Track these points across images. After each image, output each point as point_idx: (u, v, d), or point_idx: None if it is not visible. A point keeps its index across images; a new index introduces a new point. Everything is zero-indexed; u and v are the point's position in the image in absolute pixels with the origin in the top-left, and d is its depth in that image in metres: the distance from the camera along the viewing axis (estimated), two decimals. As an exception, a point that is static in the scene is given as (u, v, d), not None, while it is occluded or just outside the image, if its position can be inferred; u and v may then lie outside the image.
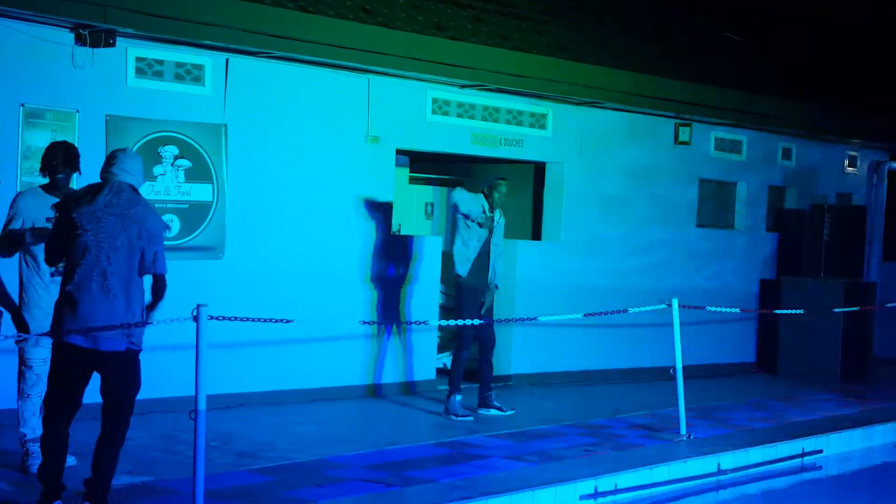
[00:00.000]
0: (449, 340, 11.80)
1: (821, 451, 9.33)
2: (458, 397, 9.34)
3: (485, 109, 11.06)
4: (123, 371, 5.76)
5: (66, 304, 5.65)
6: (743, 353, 13.85)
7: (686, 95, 12.46)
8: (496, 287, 9.55)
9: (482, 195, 9.41)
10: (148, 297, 5.94)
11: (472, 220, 9.26)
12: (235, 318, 6.58)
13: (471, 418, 9.27)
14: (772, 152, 14.21)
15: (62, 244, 5.73)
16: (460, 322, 8.64)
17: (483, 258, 9.38)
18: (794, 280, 13.60)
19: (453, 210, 9.38)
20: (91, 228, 5.61)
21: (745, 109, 13.18)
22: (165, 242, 8.72)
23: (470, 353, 9.53)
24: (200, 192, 9.08)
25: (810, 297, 12.91)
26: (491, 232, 9.40)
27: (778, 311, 12.39)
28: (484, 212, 9.31)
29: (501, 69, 10.60)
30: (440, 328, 11.02)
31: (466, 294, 9.37)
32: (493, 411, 9.53)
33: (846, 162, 15.58)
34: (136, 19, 8.17)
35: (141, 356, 6.24)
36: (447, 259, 10.21)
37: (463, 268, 9.36)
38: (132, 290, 5.72)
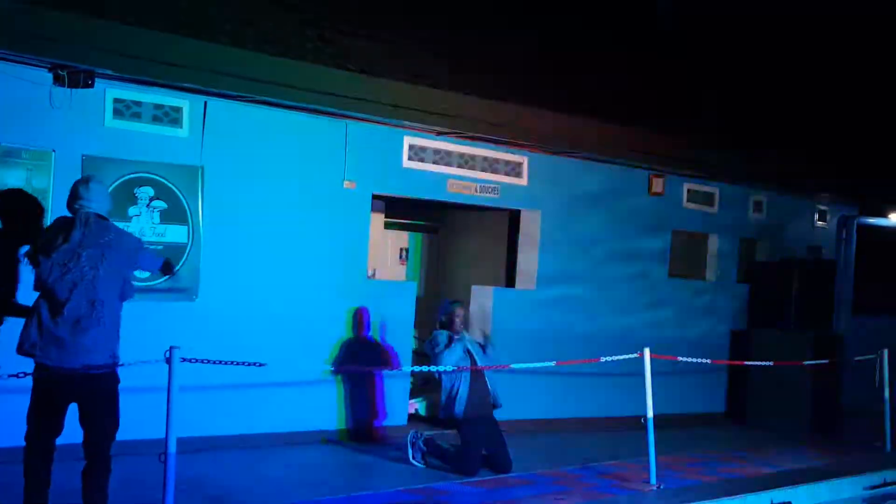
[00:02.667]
0: (421, 385, 11.78)
1: (789, 503, 9.35)
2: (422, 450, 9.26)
3: (461, 157, 11.15)
4: (107, 396, 5.97)
5: (53, 336, 5.80)
6: (713, 402, 13.91)
7: (659, 148, 12.62)
8: (499, 405, 9.35)
9: (444, 330, 9.20)
10: None
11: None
12: (208, 361, 6.57)
13: (421, 466, 9.16)
14: (743, 205, 14.38)
15: (46, 287, 5.88)
16: (440, 372, 8.55)
17: (477, 387, 9.16)
18: (764, 331, 13.72)
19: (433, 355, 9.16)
20: (73, 266, 5.82)
21: (717, 163, 13.36)
22: (139, 284, 8.84)
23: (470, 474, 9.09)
24: (175, 233, 9.07)
25: (780, 348, 13.01)
26: (473, 360, 9.17)
27: (748, 363, 12.46)
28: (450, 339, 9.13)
29: (477, 117, 10.70)
30: (412, 373, 10.99)
31: (468, 429, 9.07)
32: None
33: (816, 216, 15.80)
34: (115, 61, 8.22)
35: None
36: (421, 304, 10.23)
37: (459, 407, 9.05)
38: (116, 315, 6.00)
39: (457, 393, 9.11)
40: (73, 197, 6.06)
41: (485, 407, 9.23)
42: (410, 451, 9.26)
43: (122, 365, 6.07)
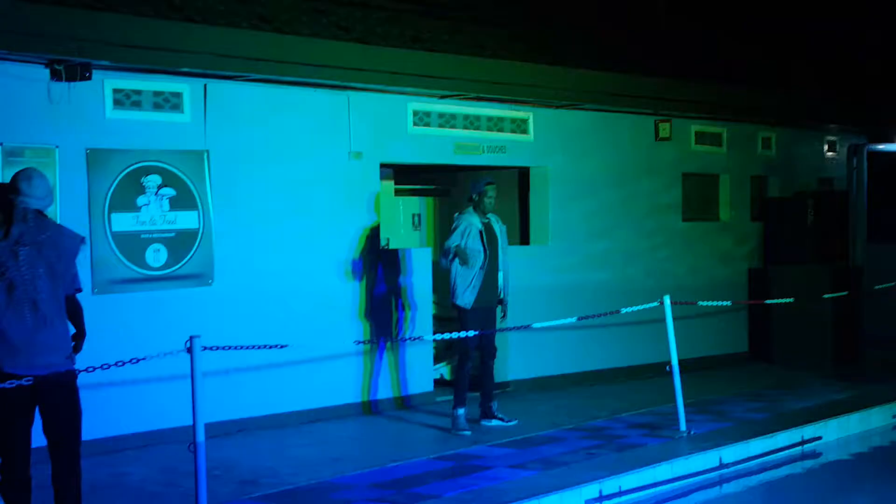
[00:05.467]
0: (445, 350, 11.79)
1: (820, 438, 9.36)
2: (461, 411, 9.27)
3: (466, 118, 11.07)
4: (69, 396, 5.72)
5: (2, 343, 5.55)
6: (736, 343, 13.89)
7: (663, 92, 12.50)
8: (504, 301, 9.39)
9: (472, 210, 9.27)
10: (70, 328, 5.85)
11: (457, 255, 9.04)
12: (229, 347, 6.57)
13: (468, 433, 9.17)
14: (751, 142, 14.27)
15: None
16: (461, 335, 8.56)
17: (487, 276, 9.20)
18: (782, 268, 13.66)
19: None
20: (11, 264, 5.57)
21: (722, 102, 13.24)
22: (155, 273, 8.82)
23: (473, 363, 9.44)
24: (186, 219, 9.05)
25: (798, 283, 12.96)
26: (493, 244, 9.23)
27: (768, 301, 12.40)
28: (481, 235, 9.16)
29: (479, 77, 10.61)
30: (435, 339, 10.98)
31: (471, 316, 9.16)
32: (495, 422, 9.49)
33: (826, 147, 15.66)
34: (111, 51, 8.15)
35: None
36: (438, 270, 10.20)
37: (467, 298, 9.13)
38: (62, 314, 5.73)
39: (463, 278, 9.09)
40: (14, 190, 5.69)
41: (488, 297, 9.16)
42: (454, 429, 9.22)
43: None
